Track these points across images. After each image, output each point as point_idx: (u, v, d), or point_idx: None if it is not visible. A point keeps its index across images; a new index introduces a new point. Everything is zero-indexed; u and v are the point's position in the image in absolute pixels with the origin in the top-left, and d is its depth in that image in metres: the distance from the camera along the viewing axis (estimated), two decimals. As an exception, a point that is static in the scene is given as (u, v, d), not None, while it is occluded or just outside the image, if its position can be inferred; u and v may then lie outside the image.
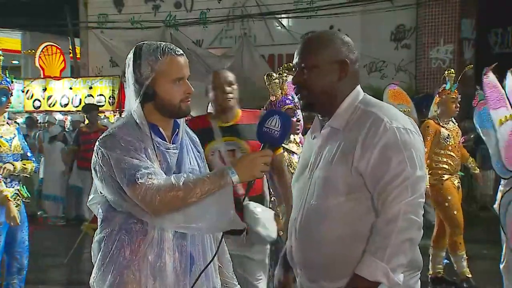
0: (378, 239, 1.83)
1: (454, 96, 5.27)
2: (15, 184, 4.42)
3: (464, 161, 5.62)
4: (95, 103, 12.28)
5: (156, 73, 2.10)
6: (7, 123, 4.48)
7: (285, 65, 3.99)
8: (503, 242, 4.10)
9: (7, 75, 4.45)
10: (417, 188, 1.84)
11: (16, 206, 4.36)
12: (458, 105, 5.31)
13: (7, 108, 4.49)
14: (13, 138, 4.43)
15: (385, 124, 1.87)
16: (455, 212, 5.23)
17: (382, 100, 5.69)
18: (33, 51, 16.26)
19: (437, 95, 5.49)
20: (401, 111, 6.07)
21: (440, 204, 5.33)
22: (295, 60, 2.05)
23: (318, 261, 1.96)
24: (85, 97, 13.08)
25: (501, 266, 4.18)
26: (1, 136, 4.35)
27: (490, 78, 3.75)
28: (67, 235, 7.87)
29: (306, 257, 2.00)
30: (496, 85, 3.74)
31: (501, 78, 4.33)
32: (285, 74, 3.94)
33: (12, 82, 4.55)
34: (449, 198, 5.23)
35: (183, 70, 2.16)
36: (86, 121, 9.02)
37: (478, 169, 5.68)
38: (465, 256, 5.28)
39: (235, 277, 2.44)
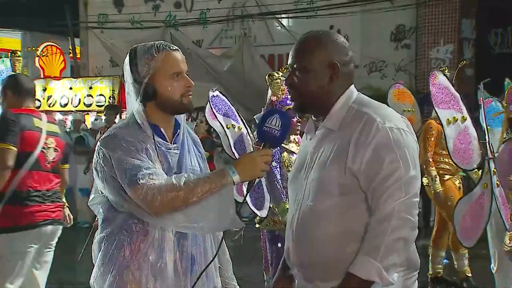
0: (372, 238, 1.83)
1: None
2: None
3: None
4: (94, 103, 12.31)
5: (153, 70, 2.11)
6: None
7: (287, 65, 3.99)
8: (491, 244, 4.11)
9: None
10: (411, 188, 1.85)
11: None
12: None
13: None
14: None
15: (378, 124, 1.87)
16: None
17: (386, 99, 5.69)
18: (34, 48, 16.24)
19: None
20: (405, 110, 6.06)
21: (442, 203, 5.33)
22: (289, 61, 2.06)
23: (313, 261, 1.96)
24: (84, 97, 13.09)
25: (494, 268, 4.18)
26: None
27: (439, 79, 3.80)
28: (66, 235, 7.85)
29: (302, 258, 2.00)
30: (447, 87, 3.78)
31: (501, 79, 4.33)
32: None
33: None
34: (451, 197, 5.23)
35: (180, 65, 2.16)
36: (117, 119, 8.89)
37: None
38: (467, 255, 5.28)
39: (234, 277, 2.44)
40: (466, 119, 3.66)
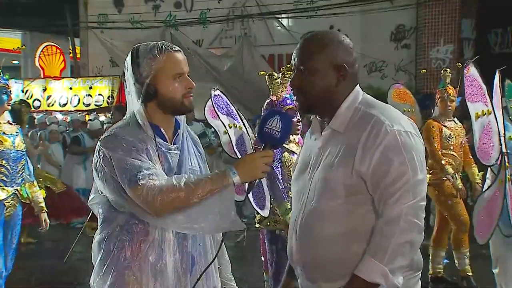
0: (379, 240, 1.83)
1: (444, 95, 5.26)
2: (15, 184, 4.38)
3: (467, 169, 5.48)
4: (93, 103, 12.30)
5: (155, 70, 2.11)
6: (9, 122, 4.46)
7: (288, 65, 3.98)
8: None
9: (1, 73, 4.43)
10: (418, 191, 1.85)
11: (11, 207, 4.33)
12: (449, 103, 5.26)
13: (9, 106, 4.46)
14: (16, 135, 4.41)
15: (386, 127, 1.87)
16: (459, 210, 5.23)
17: (386, 99, 5.68)
18: (24, 46, 16.26)
19: (437, 95, 5.51)
20: (405, 110, 6.02)
21: (442, 203, 5.33)
22: (293, 61, 2.03)
23: (317, 262, 1.96)
24: (84, 97, 13.10)
25: (495, 271, 4.16)
26: (3, 133, 4.32)
27: (471, 71, 3.74)
28: (61, 236, 7.85)
29: (305, 258, 2.00)
30: (477, 79, 3.73)
31: (501, 78, 4.33)
32: (289, 75, 3.93)
33: (8, 80, 4.53)
34: (452, 196, 5.22)
35: (182, 66, 2.16)
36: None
37: (479, 182, 5.35)
38: (468, 254, 5.28)
39: (233, 278, 2.44)
40: (490, 113, 3.62)
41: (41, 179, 7.09)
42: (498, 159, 3.63)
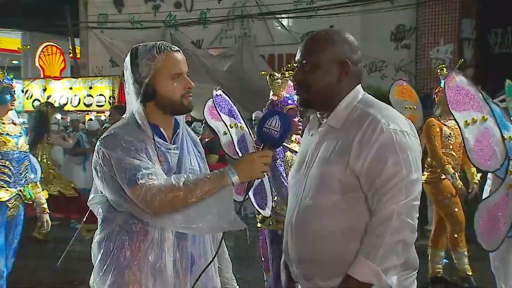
0: (371, 239, 1.83)
1: None
2: (19, 185, 4.37)
3: (466, 168, 5.48)
4: (94, 103, 12.30)
5: (154, 70, 2.11)
6: (13, 123, 4.44)
7: (289, 65, 3.98)
8: None
9: (5, 73, 4.41)
10: (412, 191, 1.85)
11: (14, 207, 4.32)
12: None
13: (13, 106, 4.44)
14: (19, 136, 4.39)
15: (382, 125, 1.87)
16: (455, 210, 5.22)
17: (386, 99, 5.65)
18: (28, 46, 16.27)
19: (435, 95, 5.49)
20: (406, 107, 5.93)
21: (439, 202, 5.33)
22: (297, 57, 2.05)
23: (313, 258, 1.95)
24: (84, 97, 13.10)
25: (497, 273, 4.16)
26: (7, 134, 4.30)
27: (457, 81, 3.69)
28: (62, 236, 7.85)
29: (301, 253, 2.00)
30: (466, 87, 3.68)
31: (501, 78, 4.33)
32: (288, 74, 3.93)
33: (12, 80, 4.51)
34: (449, 195, 5.22)
35: (181, 66, 2.17)
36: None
37: (477, 182, 5.42)
38: (466, 253, 5.27)
39: (234, 277, 2.44)
40: (486, 119, 3.57)
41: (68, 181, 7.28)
42: (504, 164, 3.60)
